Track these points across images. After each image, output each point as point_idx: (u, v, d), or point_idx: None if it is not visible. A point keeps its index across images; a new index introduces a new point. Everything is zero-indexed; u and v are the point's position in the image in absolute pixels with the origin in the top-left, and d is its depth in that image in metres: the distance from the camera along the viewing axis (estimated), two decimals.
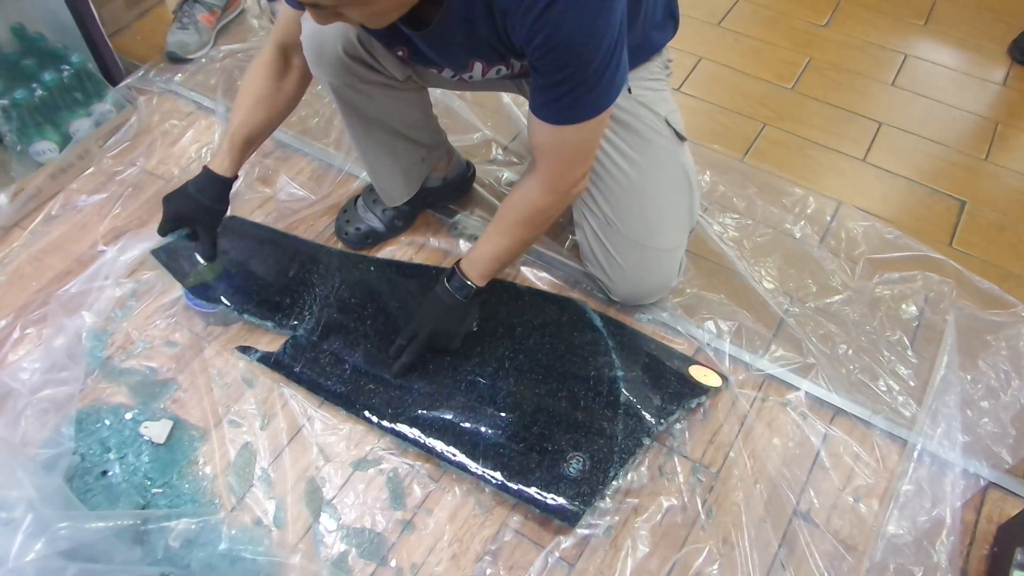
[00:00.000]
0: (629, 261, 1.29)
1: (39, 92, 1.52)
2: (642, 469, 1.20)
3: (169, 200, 1.28)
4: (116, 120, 1.68)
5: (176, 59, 1.86)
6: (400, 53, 1.13)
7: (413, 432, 1.20)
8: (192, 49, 1.88)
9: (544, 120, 1.03)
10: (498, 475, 1.15)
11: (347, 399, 1.25)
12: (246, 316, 1.33)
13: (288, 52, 1.23)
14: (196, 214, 1.27)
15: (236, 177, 1.28)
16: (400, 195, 1.43)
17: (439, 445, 1.19)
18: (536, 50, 0.95)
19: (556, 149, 1.07)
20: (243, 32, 1.97)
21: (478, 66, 1.09)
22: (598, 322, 1.35)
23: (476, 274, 1.19)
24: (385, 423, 1.22)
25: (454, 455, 1.17)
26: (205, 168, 1.26)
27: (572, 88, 0.97)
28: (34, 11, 1.63)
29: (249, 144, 1.27)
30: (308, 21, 1.12)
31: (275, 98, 1.25)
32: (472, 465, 1.16)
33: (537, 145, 1.08)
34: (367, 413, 1.23)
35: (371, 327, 1.33)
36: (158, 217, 1.50)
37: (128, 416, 1.23)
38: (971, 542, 1.15)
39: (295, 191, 1.58)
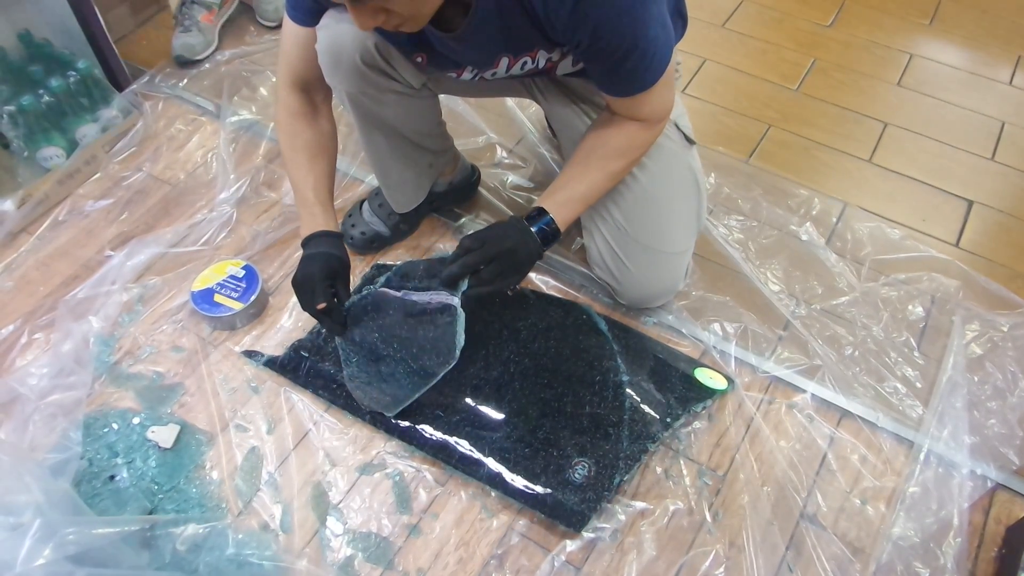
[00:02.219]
0: (638, 265, 1.29)
1: (46, 98, 1.53)
2: (648, 472, 1.20)
3: (308, 274, 1.18)
4: (122, 126, 1.68)
5: (184, 62, 1.87)
6: (419, 59, 1.14)
7: (418, 433, 1.20)
8: (199, 50, 1.88)
9: (618, 96, 1.08)
10: (503, 479, 1.15)
11: (352, 401, 1.25)
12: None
13: (309, 90, 1.22)
14: (336, 268, 1.19)
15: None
16: (409, 202, 1.43)
17: (444, 448, 1.19)
18: (580, 46, 0.97)
19: (643, 107, 1.10)
20: (244, 31, 1.97)
21: (504, 62, 1.09)
22: (603, 326, 1.35)
23: (562, 220, 1.14)
24: (386, 415, 1.22)
25: (459, 457, 1.18)
26: (311, 236, 1.20)
27: (633, 66, 1.00)
28: (40, 18, 1.64)
29: (331, 194, 1.25)
30: (324, 31, 1.11)
31: (321, 143, 1.24)
32: (477, 469, 1.17)
33: (623, 110, 1.12)
34: (372, 415, 1.23)
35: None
36: (165, 222, 1.53)
37: (135, 421, 1.24)
38: (979, 544, 1.15)
39: None
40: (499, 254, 1.11)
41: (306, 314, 1.38)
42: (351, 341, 1.26)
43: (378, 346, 1.24)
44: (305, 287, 1.19)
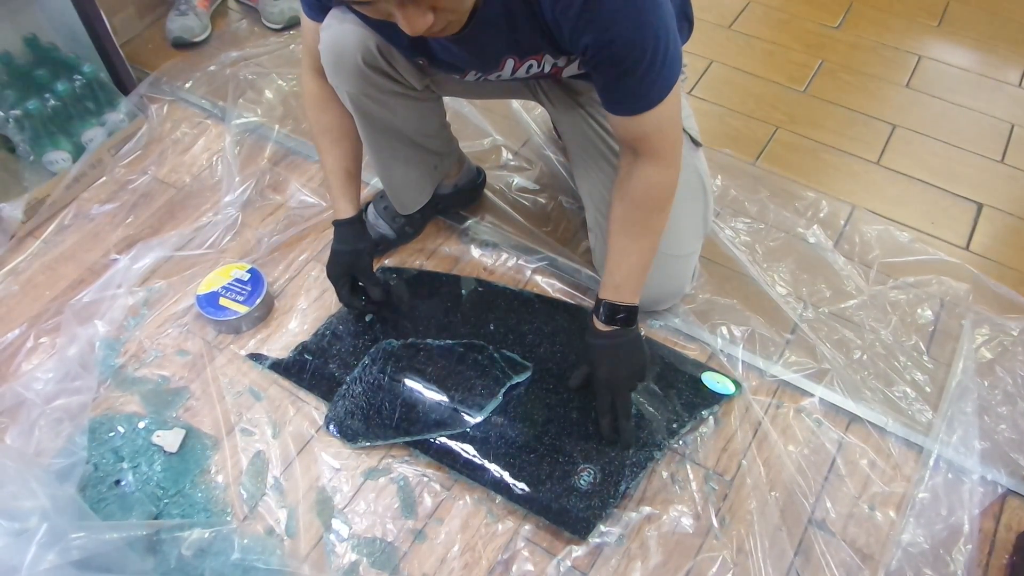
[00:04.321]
0: None
1: (52, 102, 1.53)
2: (654, 477, 1.19)
3: (330, 270, 1.30)
4: (128, 129, 1.69)
5: (182, 44, 1.89)
6: (420, 62, 1.13)
7: (423, 438, 1.20)
8: (197, 32, 1.91)
9: (625, 115, 1.03)
10: (508, 485, 1.15)
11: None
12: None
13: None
14: (350, 262, 1.28)
15: (362, 211, 1.28)
16: (414, 203, 1.43)
17: (448, 453, 1.18)
18: (587, 50, 0.94)
19: (650, 132, 1.05)
20: (249, 34, 1.97)
21: (509, 63, 1.08)
22: None
23: (630, 293, 1.15)
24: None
25: (463, 462, 1.17)
26: (333, 223, 1.28)
27: (639, 78, 0.96)
28: (47, 22, 1.64)
29: (351, 177, 1.28)
30: (327, 31, 1.11)
31: (344, 125, 1.25)
32: (482, 474, 1.16)
33: (629, 137, 1.07)
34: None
35: (380, 332, 1.33)
36: (171, 225, 1.53)
37: (141, 425, 1.24)
38: (990, 551, 1.13)
39: (306, 198, 1.58)
40: (624, 385, 1.16)
41: (311, 317, 1.39)
42: (388, 372, 1.27)
43: (417, 382, 1.26)
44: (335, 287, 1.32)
